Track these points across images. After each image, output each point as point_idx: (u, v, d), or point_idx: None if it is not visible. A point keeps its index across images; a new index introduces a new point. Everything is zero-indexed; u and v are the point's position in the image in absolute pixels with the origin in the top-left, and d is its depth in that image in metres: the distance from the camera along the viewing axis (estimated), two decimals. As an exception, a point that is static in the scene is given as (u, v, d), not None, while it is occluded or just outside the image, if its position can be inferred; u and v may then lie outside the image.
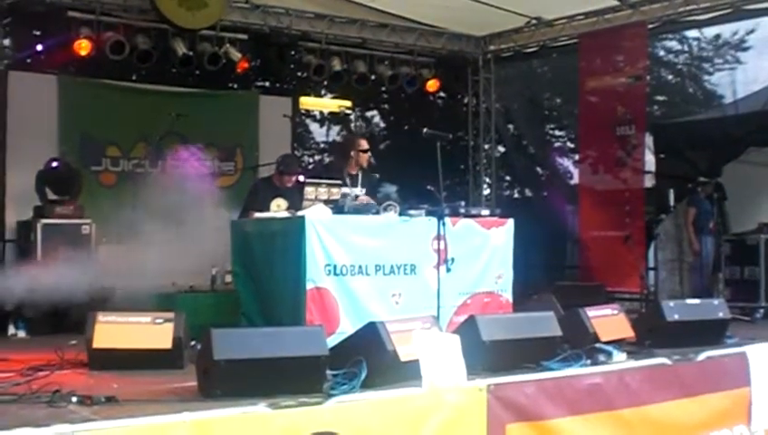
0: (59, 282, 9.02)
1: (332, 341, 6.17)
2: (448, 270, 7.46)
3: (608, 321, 7.47)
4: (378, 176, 8.96)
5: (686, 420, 6.39)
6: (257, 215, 8.26)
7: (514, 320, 7.07)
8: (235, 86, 14.79)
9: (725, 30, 19.88)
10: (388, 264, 7.52)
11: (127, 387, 5.48)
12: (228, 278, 9.42)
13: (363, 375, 5.29)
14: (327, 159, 17.67)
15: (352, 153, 8.76)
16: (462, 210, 8.18)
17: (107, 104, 12.22)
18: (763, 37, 19.31)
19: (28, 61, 12.54)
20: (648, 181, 13.04)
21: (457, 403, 5.17)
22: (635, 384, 6.13)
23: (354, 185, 8.52)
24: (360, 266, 7.37)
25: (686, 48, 21.02)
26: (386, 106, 20.26)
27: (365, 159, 8.78)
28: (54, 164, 10.84)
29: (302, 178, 8.69)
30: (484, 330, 6.29)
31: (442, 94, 16.22)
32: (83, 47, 10.97)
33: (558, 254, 15.38)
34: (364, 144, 8.89)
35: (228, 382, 5.19)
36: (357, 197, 8.16)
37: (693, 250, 11.78)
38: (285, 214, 7.92)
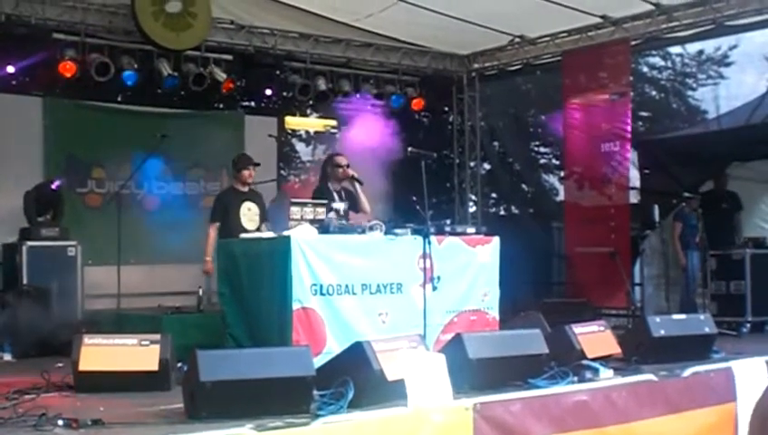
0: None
1: (319, 361, 6.17)
2: (434, 288, 7.46)
3: (594, 337, 7.49)
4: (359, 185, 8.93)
5: (673, 437, 6.40)
6: (243, 236, 8.29)
7: (501, 338, 7.09)
8: (221, 106, 14.80)
9: (708, 46, 20.10)
10: (375, 283, 7.52)
11: (113, 410, 5.47)
12: (214, 299, 9.41)
13: (350, 395, 5.30)
14: (313, 178, 17.67)
15: (329, 169, 8.88)
16: (447, 228, 8.18)
17: (92, 126, 12.21)
18: (746, 53, 19.49)
19: (13, 82, 12.52)
20: (634, 197, 13.09)
21: (443, 423, 5.16)
22: (621, 401, 6.12)
23: (340, 199, 8.61)
24: (347, 286, 7.36)
25: (669, 64, 21.19)
26: (371, 125, 20.26)
27: (342, 174, 8.83)
28: (56, 184, 10.88)
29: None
30: (471, 348, 6.31)
31: (427, 113, 16.23)
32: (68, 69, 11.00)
33: (544, 270, 15.38)
34: (340, 160, 8.93)
35: (214, 404, 5.18)
36: (340, 211, 8.21)
37: (679, 265, 11.82)
38: (271, 234, 7.93)
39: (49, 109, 12.08)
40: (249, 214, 9.02)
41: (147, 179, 12.44)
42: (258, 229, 8.84)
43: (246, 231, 8.78)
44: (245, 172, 9.13)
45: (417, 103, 14.08)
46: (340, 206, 8.36)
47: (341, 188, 8.86)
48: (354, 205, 8.77)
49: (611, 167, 12.48)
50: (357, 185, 8.84)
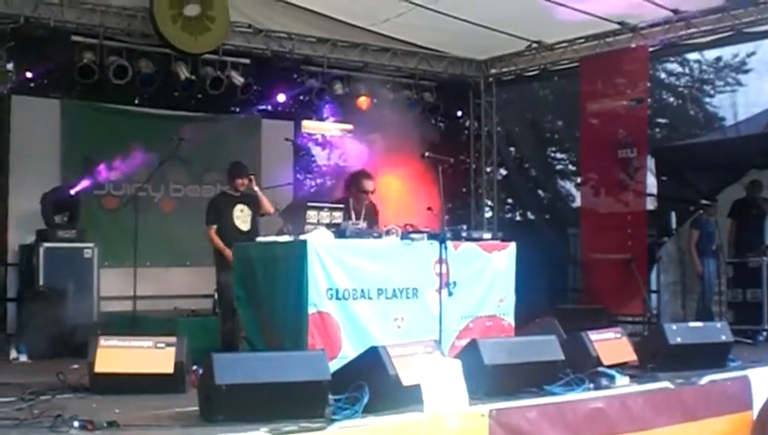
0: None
1: (334, 365, 6.15)
2: (450, 294, 7.44)
3: (610, 344, 7.46)
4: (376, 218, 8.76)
5: (689, 445, 6.37)
6: (260, 239, 8.29)
7: (517, 344, 7.05)
8: (238, 110, 14.83)
9: (726, 52, 19.98)
10: (390, 287, 7.49)
11: (129, 412, 5.48)
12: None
13: (365, 400, 5.28)
14: (329, 183, 17.68)
15: (353, 189, 8.67)
16: (464, 234, 8.15)
17: (109, 128, 12.25)
18: (764, 60, 19.36)
19: (31, 85, 12.59)
20: (650, 204, 13.02)
21: (459, 429, 5.15)
22: (637, 409, 6.11)
23: (357, 218, 8.49)
24: (363, 290, 7.34)
25: (687, 71, 21.08)
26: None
27: (366, 199, 8.64)
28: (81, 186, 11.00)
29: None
30: (487, 354, 6.29)
31: (443, 118, 16.22)
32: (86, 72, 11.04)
33: (560, 277, 15.35)
34: (367, 186, 8.63)
35: (230, 407, 5.19)
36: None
37: (696, 273, 11.77)
38: (287, 238, 7.92)
39: (67, 111, 12.15)
40: (242, 216, 9.12)
41: (163, 182, 12.48)
42: (252, 229, 9.01)
43: (240, 232, 8.93)
44: (239, 181, 9.23)
45: (434, 108, 14.10)
46: (358, 225, 8.28)
47: (363, 206, 8.71)
48: (371, 224, 8.65)
49: (628, 173, 12.43)
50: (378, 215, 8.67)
